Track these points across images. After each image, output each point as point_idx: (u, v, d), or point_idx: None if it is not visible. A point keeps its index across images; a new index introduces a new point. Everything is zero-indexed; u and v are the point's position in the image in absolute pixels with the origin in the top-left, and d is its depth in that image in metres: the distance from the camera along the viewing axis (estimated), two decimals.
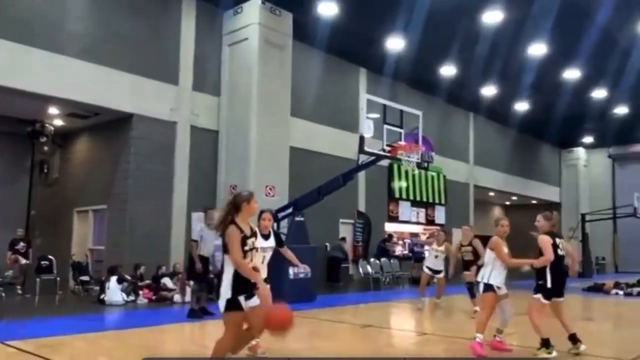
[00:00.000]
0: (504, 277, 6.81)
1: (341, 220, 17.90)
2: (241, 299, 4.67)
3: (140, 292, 11.81)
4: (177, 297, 11.68)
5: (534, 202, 30.15)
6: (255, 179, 13.94)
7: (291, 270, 11.76)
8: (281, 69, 14.74)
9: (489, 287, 6.77)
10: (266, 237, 6.36)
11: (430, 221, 21.63)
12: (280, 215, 12.80)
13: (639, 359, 6.67)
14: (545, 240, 6.47)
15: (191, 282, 9.98)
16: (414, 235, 21.57)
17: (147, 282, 12.28)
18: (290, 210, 12.72)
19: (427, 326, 9.50)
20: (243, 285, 4.68)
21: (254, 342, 5.72)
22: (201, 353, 6.75)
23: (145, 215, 13.00)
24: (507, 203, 31.95)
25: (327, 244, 17.14)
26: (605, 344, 7.98)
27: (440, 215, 22.19)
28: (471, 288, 10.10)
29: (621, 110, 23.88)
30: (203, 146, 14.37)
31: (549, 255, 6.38)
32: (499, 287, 6.80)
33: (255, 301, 4.79)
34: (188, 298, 10.62)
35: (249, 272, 4.67)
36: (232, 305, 4.65)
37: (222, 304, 4.67)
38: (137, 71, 13.07)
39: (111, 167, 13.72)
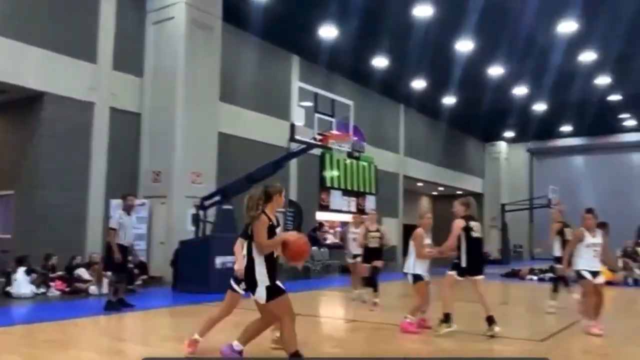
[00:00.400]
0: (427, 266, 7.32)
1: None
2: (278, 283, 4.73)
3: (52, 284, 11.04)
4: (93, 289, 11.03)
5: (459, 192, 31.09)
6: (181, 165, 13.43)
7: (218, 260, 11.44)
8: (210, 52, 14.21)
9: (417, 277, 7.27)
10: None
11: (360, 210, 21.77)
12: (207, 203, 12.41)
13: (549, 339, 7.00)
14: (455, 225, 6.91)
15: (109, 273, 9.46)
16: (345, 224, 21.66)
17: (60, 273, 11.50)
18: (217, 198, 12.36)
19: (355, 313, 9.46)
20: (275, 270, 4.78)
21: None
22: (118, 348, 6.42)
23: (58, 201, 12.17)
24: (435, 193, 32.86)
25: None
26: (519, 326, 8.43)
27: (370, 204, 22.40)
28: (374, 278, 9.76)
29: (540, 107, 25.03)
30: (123, 129, 13.62)
31: (451, 240, 6.87)
32: (425, 275, 7.31)
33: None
34: (105, 290, 10.07)
35: (276, 242, 4.76)
36: (276, 290, 4.69)
37: (262, 292, 4.68)
38: (50, 46, 12.14)
39: (19, 150, 12.72)
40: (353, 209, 21.49)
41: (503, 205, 28.35)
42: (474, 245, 6.95)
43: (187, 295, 10.89)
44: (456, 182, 30.01)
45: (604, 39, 16.69)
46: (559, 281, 9.53)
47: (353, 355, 6.03)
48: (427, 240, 7.27)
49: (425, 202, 32.53)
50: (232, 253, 11.99)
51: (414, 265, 7.22)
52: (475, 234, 6.96)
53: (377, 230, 10.04)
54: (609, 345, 6.92)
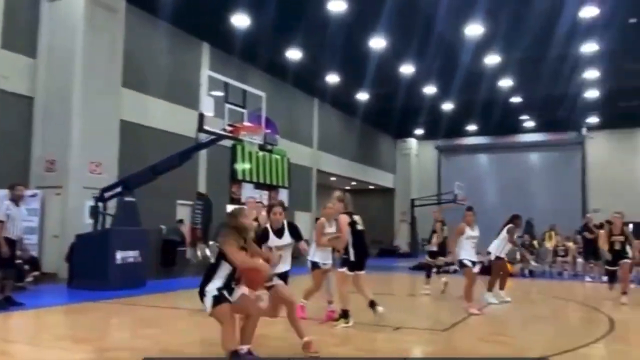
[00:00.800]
0: (327, 254, 7.40)
1: (179, 202, 16.98)
2: (225, 292, 4.87)
3: None
4: None
5: (371, 187, 31.80)
6: (78, 154, 12.59)
7: (118, 255, 10.91)
8: (112, 34, 13.40)
9: (315, 265, 7.37)
10: (280, 233, 5.94)
11: (273, 204, 21.58)
12: (107, 194, 11.73)
13: (450, 328, 7.27)
14: (343, 221, 7.11)
15: None
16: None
17: None
18: (119, 189, 11.72)
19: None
20: (230, 283, 4.95)
21: (306, 339, 5.47)
22: (2, 349, 5.89)
23: None
24: (347, 188, 33.25)
25: (163, 226, 16.19)
26: (422, 317, 8.61)
27: (283, 198, 22.23)
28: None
29: (448, 106, 26.03)
30: (13, 113, 12.53)
31: (345, 236, 7.05)
32: (324, 264, 7.39)
33: (237, 293, 4.99)
34: None
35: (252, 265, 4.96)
36: (220, 299, 4.82)
37: (209, 302, 4.83)
38: None
39: None
40: (265, 202, 21.25)
41: (412, 200, 29.25)
42: (360, 238, 7.22)
43: (83, 292, 10.26)
44: (369, 177, 30.59)
45: (506, 44, 17.56)
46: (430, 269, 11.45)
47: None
48: (331, 229, 7.25)
49: (339, 194, 32.86)
50: (133, 247, 11.60)
51: (313, 253, 7.34)
52: (359, 227, 7.23)
53: (255, 219, 9.79)
54: (505, 332, 7.24)
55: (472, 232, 8.59)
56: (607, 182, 29.24)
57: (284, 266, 5.84)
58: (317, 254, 7.33)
